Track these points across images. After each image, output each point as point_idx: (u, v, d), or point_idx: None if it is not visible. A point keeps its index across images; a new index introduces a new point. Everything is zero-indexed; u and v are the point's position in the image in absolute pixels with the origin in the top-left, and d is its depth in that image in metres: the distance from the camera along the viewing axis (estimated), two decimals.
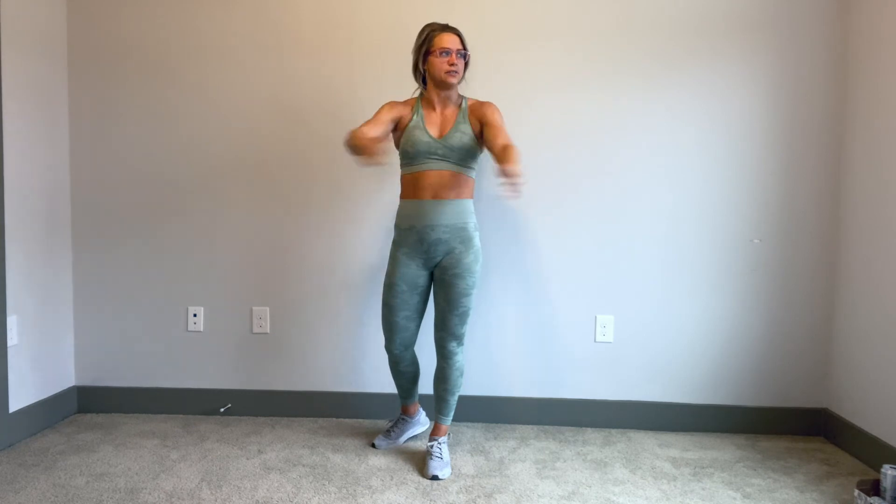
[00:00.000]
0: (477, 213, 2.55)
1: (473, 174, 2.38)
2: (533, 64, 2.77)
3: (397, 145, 2.40)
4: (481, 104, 2.37)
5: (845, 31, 2.68)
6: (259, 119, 2.84)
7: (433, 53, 2.29)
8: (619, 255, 2.80)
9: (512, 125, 2.72)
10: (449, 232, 2.31)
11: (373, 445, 2.56)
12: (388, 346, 2.46)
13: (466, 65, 2.38)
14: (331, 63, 2.81)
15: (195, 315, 2.90)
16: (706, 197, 2.76)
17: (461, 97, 2.41)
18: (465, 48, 2.32)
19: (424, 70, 2.35)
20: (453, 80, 2.29)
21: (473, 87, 2.65)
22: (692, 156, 2.76)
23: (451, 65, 2.27)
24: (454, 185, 2.31)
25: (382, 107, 2.36)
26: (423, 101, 2.39)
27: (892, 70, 2.41)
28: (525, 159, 2.78)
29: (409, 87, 2.52)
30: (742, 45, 2.71)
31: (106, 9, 2.84)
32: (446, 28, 2.31)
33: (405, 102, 2.40)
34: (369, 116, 2.70)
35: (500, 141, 2.17)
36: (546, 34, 2.76)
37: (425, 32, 2.33)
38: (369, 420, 2.87)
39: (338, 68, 2.81)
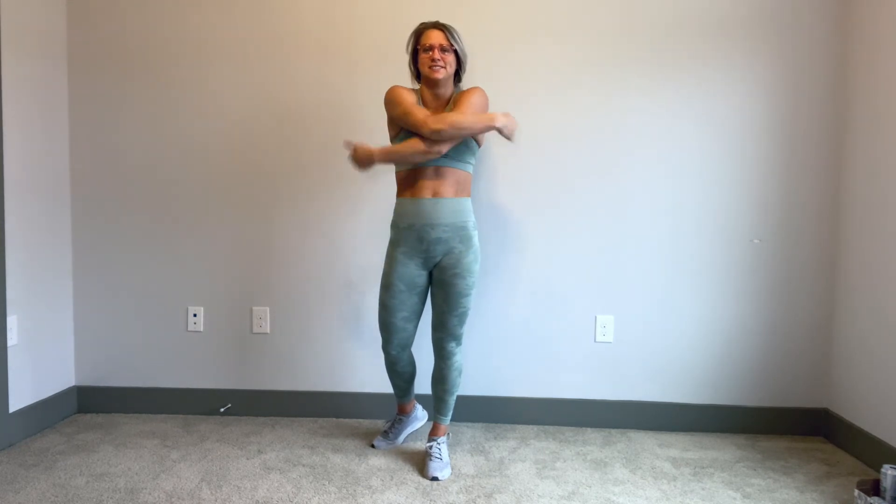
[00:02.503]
0: (475, 212, 2.55)
1: (471, 169, 2.37)
2: (533, 64, 2.76)
3: (392, 140, 2.37)
4: (464, 91, 2.34)
5: (845, 31, 2.68)
6: (259, 119, 2.84)
7: (420, 50, 2.29)
8: (619, 254, 2.80)
9: None
10: (449, 231, 2.30)
11: (372, 446, 2.56)
12: (386, 347, 2.45)
13: (461, 62, 2.33)
14: (331, 64, 2.81)
15: (195, 315, 2.90)
16: (706, 197, 2.76)
17: (454, 91, 2.37)
18: (451, 43, 2.28)
19: (417, 69, 2.35)
20: (436, 76, 2.26)
21: (474, 84, 2.65)
22: (692, 155, 2.76)
23: (433, 60, 2.25)
24: (452, 183, 2.30)
25: (399, 91, 2.30)
26: (422, 97, 2.36)
27: (892, 70, 2.41)
28: (525, 158, 2.79)
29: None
30: (742, 44, 2.71)
31: (106, 9, 2.84)
32: (432, 25, 2.30)
33: (411, 90, 2.36)
34: (369, 117, 2.73)
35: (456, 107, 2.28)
36: (547, 34, 2.76)
37: (414, 31, 2.33)
38: (369, 420, 2.87)
39: (338, 69, 2.81)
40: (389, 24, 2.77)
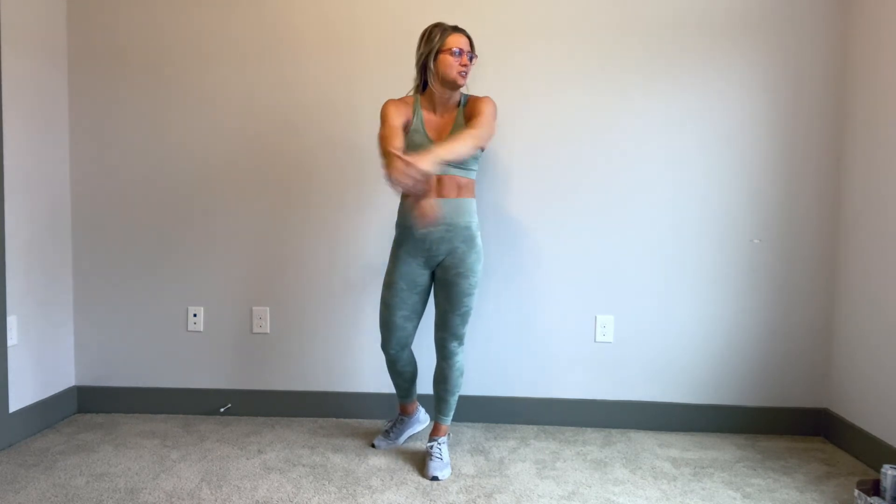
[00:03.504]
0: (478, 212, 2.55)
1: (474, 175, 2.37)
2: (533, 64, 2.77)
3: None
4: (477, 99, 2.33)
5: (845, 31, 2.68)
6: (259, 119, 2.84)
7: (445, 52, 2.23)
8: (619, 254, 2.80)
9: (512, 125, 2.75)
10: (451, 231, 2.30)
11: (372, 446, 2.56)
12: (385, 346, 2.45)
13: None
14: (330, 65, 2.81)
15: (195, 315, 2.90)
16: (706, 197, 2.76)
17: (462, 96, 2.37)
18: (473, 51, 2.30)
19: (433, 68, 2.26)
20: (463, 82, 2.27)
21: (474, 86, 2.65)
22: (692, 155, 2.76)
23: (464, 65, 2.24)
24: (454, 186, 2.30)
25: (388, 110, 2.27)
26: (423, 100, 2.34)
27: (892, 70, 2.41)
28: (525, 159, 2.79)
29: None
30: (742, 44, 2.71)
31: (106, 9, 2.84)
32: (457, 29, 2.29)
33: (404, 100, 2.34)
34: (368, 119, 2.73)
35: (462, 130, 2.18)
36: (546, 35, 2.76)
37: (438, 31, 2.26)
38: (369, 420, 2.87)
39: (337, 71, 2.81)
40: (389, 25, 2.78)
